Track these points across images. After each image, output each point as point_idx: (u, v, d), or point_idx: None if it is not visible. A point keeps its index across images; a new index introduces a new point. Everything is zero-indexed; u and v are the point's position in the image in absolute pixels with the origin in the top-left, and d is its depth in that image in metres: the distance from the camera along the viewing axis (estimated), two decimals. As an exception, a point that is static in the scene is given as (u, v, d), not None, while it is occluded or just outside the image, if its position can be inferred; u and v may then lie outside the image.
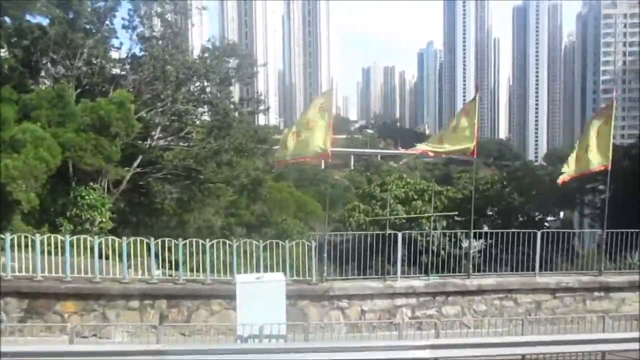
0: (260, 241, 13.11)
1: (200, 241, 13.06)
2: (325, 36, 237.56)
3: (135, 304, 12.33)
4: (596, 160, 13.86)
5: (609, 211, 14.99)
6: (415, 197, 25.74)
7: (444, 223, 23.44)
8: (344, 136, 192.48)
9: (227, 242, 13.06)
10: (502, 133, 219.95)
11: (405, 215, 22.23)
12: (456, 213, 19.91)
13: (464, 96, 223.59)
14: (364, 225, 25.14)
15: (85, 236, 13.18)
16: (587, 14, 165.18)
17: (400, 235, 13.33)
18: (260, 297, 10.30)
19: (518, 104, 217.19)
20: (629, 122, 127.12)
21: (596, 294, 13.98)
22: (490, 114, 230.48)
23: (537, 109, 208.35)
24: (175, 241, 12.85)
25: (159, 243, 12.79)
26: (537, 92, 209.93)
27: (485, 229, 24.03)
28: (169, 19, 29.33)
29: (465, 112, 13.59)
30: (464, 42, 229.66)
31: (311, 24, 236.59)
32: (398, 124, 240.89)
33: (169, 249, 13.27)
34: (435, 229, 23.84)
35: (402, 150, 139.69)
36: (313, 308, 12.81)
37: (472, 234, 13.89)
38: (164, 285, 12.66)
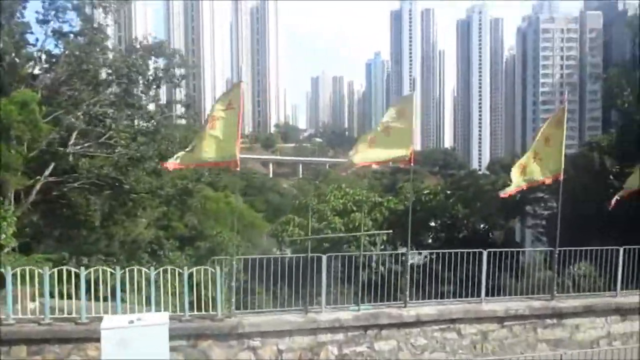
0: (152, 268, 10.61)
1: (73, 269, 10.43)
2: (274, 44, 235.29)
3: (-17, 353, 9.58)
4: (548, 169, 12.28)
5: (555, 224, 13.48)
6: (354, 208, 23.78)
7: (384, 237, 21.59)
8: (293, 145, 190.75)
9: (108, 269, 10.46)
10: (448, 142, 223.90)
11: (330, 235, 20.17)
12: (390, 232, 18.06)
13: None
14: (299, 240, 22.96)
15: None
16: (527, 29, 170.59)
17: (324, 258, 11.16)
18: (135, 345, 7.85)
19: (462, 115, 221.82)
20: (567, 133, 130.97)
21: (548, 321, 12.29)
22: (435, 124, 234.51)
23: (480, 119, 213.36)
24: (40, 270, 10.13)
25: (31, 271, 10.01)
26: (480, 103, 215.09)
27: (429, 241, 22.48)
28: (88, 12, 26.66)
29: (399, 112, 11.62)
30: (410, 53, 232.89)
31: (259, 31, 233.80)
32: (347, 133, 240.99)
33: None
34: (374, 243, 22.00)
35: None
36: (218, 349, 10.43)
37: (408, 257, 11.89)
38: (24, 327, 9.94)
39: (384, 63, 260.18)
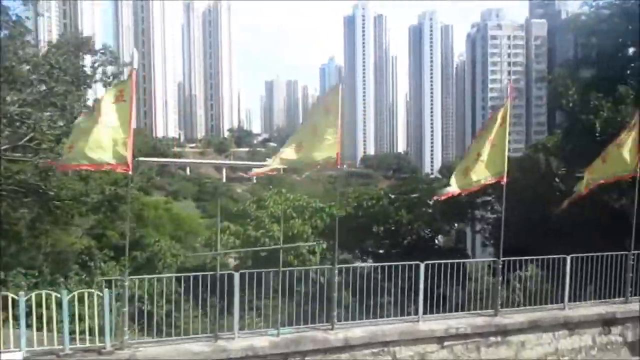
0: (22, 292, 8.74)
1: None
2: (227, 47, 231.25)
3: None
4: (491, 170, 11.04)
5: (500, 229, 12.43)
6: (294, 215, 22.27)
7: (324, 245, 20.20)
8: (247, 149, 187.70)
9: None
10: (401, 147, 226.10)
11: (263, 248, 18.61)
12: (321, 242, 16.71)
13: (364, 111, 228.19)
14: (235, 250, 21.29)
15: None
16: (476, 35, 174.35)
17: (237, 276, 9.56)
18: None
19: (415, 119, 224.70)
20: (513, 137, 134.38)
21: (492, 339, 11.09)
22: (389, 128, 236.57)
23: (432, 123, 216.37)
24: None
25: None
26: (432, 108, 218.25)
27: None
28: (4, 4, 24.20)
29: (325, 108, 10.19)
30: (364, 59, 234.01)
31: (212, 34, 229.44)
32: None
33: None
34: (313, 252, 20.59)
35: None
36: (105, 389, 8.68)
37: (336, 271, 10.41)
38: None
39: (338, 68, 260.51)
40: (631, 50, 22.66)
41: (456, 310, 11.94)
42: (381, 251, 25.90)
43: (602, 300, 12.37)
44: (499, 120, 11.16)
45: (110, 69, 26.94)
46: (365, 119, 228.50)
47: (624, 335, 12.20)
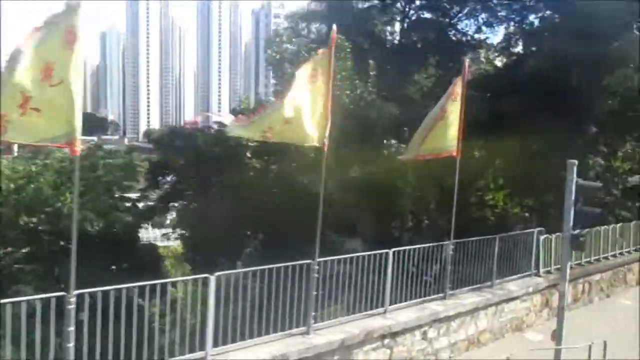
0: None
1: None
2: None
3: None
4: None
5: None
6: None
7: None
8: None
9: None
10: (189, 118, 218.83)
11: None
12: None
13: (148, 80, 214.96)
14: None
15: None
16: (260, 12, 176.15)
17: None
18: None
19: (202, 93, 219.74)
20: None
21: None
22: (175, 100, 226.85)
23: (219, 98, 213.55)
24: None
25: None
26: (220, 84, 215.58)
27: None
28: None
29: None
30: (148, 27, 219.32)
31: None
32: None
33: None
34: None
35: None
36: None
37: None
38: None
39: (119, 35, 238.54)
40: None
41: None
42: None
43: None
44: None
45: None
46: (150, 90, 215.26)
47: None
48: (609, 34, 15.23)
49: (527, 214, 23.07)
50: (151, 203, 20.45)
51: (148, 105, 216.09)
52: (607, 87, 15.30)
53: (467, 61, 10.46)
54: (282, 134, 7.83)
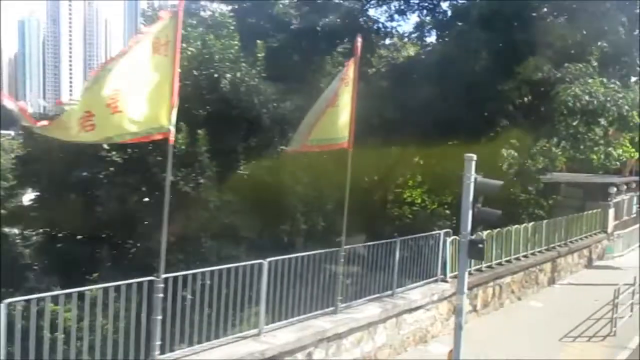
0: None
1: None
2: None
3: None
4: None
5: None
6: None
7: None
8: None
9: None
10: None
11: None
12: None
13: (70, 70, 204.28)
14: None
15: None
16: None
17: None
18: None
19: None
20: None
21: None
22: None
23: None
24: None
25: None
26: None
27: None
28: None
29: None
30: (70, 15, 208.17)
31: None
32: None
33: None
34: None
35: None
36: None
37: None
38: None
39: (39, 23, 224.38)
40: None
41: None
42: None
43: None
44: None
45: None
46: (72, 83, 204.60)
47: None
48: (521, 21, 14.46)
49: (448, 212, 22.32)
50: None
51: (71, 98, 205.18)
52: (517, 77, 14.46)
53: (358, 40, 8.97)
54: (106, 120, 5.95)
